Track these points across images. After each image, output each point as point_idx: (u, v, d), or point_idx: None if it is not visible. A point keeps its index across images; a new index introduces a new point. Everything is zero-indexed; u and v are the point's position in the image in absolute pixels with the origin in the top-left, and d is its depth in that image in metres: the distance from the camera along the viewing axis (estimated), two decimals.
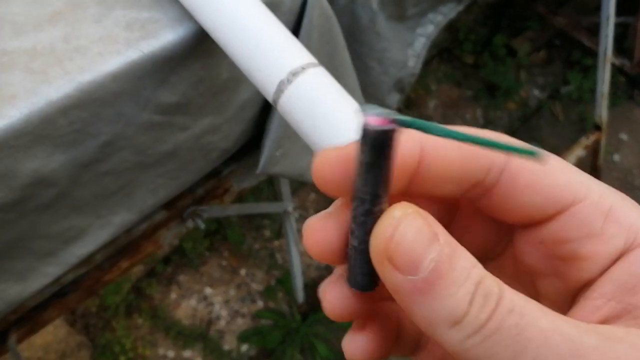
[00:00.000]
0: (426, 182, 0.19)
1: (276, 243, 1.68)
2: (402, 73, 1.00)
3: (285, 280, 1.59)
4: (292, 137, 0.67)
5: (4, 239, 0.52)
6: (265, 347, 1.53)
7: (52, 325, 1.33)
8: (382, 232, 0.17)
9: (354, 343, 0.20)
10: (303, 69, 0.43)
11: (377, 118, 0.15)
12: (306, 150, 0.70)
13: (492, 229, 0.22)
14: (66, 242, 0.58)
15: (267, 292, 1.60)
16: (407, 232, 0.17)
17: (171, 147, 0.58)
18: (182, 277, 1.63)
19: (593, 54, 1.69)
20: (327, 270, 1.61)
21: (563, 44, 1.81)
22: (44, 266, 0.58)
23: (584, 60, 1.74)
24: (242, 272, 1.64)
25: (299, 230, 1.44)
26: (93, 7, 0.50)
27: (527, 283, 0.22)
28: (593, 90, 1.72)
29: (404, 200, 0.18)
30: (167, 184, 0.62)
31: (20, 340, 0.78)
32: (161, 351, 1.51)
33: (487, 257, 0.23)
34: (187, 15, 0.50)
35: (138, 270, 1.57)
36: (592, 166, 1.62)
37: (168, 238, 0.84)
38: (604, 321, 0.18)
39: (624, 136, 1.73)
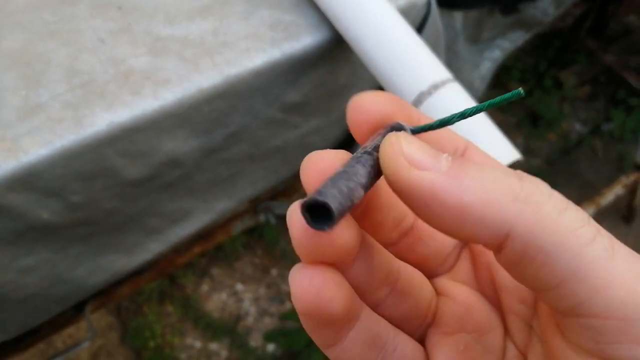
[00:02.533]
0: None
1: None
2: (469, 93, 1.04)
3: None
4: None
5: (126, 213, 0.55)
6: (290, 349, 1.55)
7: None
8: (387, 143, 0.17)
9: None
10: (443, 83, 0.46)
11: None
12: None
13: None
14: (173, 221, 0.61)
15: None
16: (413, 140, 0.17)
17: (280, 143, 0.62)
18: (215, 271, 1.65)
19: (638, 94, 1.72)
20: None
21: (608, 81, 1.84)
22: (149, 242, 0.61)
23: (629, 100, 1.76)
24: (274, 272, 1.67)
25: None
26: (240, 4, 0.53)
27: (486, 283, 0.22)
28: (635, 130, 1.74)
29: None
30: (267, 177, 0.65)
31: (93, 311, 0.81)
32: (189, 341, 1.54)
33: (443, 268, 0.23)
34: (324, 21, 0.54)
35: None
36: (628, 205, 1.64)
37: (239, 228, 0.87)
38: None
39: None
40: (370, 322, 0.19)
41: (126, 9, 0.52)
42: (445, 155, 0.16)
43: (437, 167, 0.16)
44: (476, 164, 0.16)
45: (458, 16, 0.89)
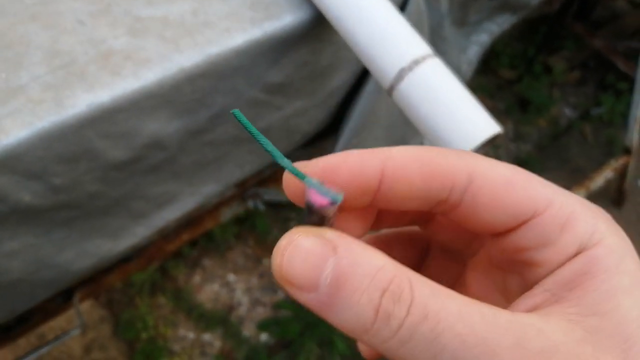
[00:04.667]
0: (390, 200, 0.21)
1: None
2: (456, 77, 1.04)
3: None
4: (370, 127, 0.70)
5: (110, 196, 0.55)
6: (283, 338, 1.56)
7: None
8: (273, 262, 0.19)
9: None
10: (424, 58, 0.46)
11: (319, 196, 0.18)
12: (380, 142, 0.73)
13: (467, 231, 0.24)
14: (159, 205, 0.61)
15: None
16: (295, 256, 0.18)
17: (264, 125, 0.62)
18: (207, 261, 1.65)
19: (627, 78, 1.73)
20: None
21: (597, 65, 1.85)
22: (135, 226, 0.61)
23: (618, 84, 1.77)
24: (266, 262, 1.67)
25: None
26: None
27: (497, 278, 0.24)
28: (624, 114, 1.75)
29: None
30: (254, 161, 0.65)
31: (82, 300, 0.81)
32: (181, 332, 1.54)
33: (467, 253, 0.25)
34: (306, 0, 0.53)
35: None
36: (618, 189, 1.65)
37: (228, 215, 0.87)
38: (534, 307, 0.20)
39: None
40: None
41: None
42: (326, 273, 0.18)
43: (315, 288, 0.18)
44: (352, 286, 0.18)
45: None
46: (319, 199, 0.18)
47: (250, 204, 0.87)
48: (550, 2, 1.56)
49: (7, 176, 0.45)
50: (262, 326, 1.57)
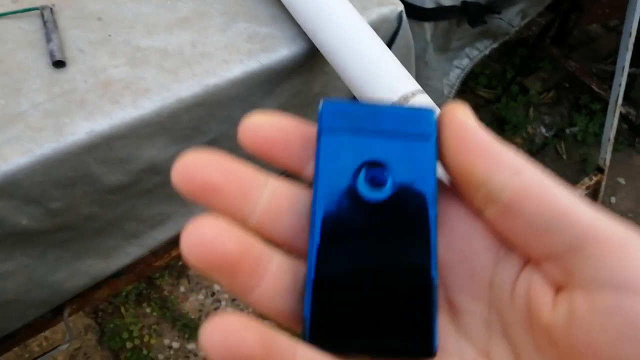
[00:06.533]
0: None
1: None
2: (439, 101, 1.07)
3: None
4: None
5: (105, 218, 0.56)
6: None
7: None
8: None
9: None
10: (413, 94, 0.49)
11: None
12: None
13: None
14: (152, 226, 0.62)
15: None
16: None
17: None
18: (192, 272, 1.66)
19: (600, 99, 1.79)
20: None
21: (572, 86, 1.91)
22: (128, 246, 0.62)
23: (591, 105, 1.83)
24: None
25: None
26: (217, 17, 0.55)
27: None
28: (597, 134, 1.81)
29: None
30: None
31: (71, 314, 0.81)
32: (166, 341, 1.54)
33: None
34: (300, 34, 0.56)
35: None
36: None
37: None
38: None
39: (621, 180, 1.83)
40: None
41: (106, 20, 0.53)
42: None
43: None
44: None
45: (428, 27, 0.92)
46: None
47: None
48: (529, 27, 1.61)
49: (5, 201, 0.46)
50: None
